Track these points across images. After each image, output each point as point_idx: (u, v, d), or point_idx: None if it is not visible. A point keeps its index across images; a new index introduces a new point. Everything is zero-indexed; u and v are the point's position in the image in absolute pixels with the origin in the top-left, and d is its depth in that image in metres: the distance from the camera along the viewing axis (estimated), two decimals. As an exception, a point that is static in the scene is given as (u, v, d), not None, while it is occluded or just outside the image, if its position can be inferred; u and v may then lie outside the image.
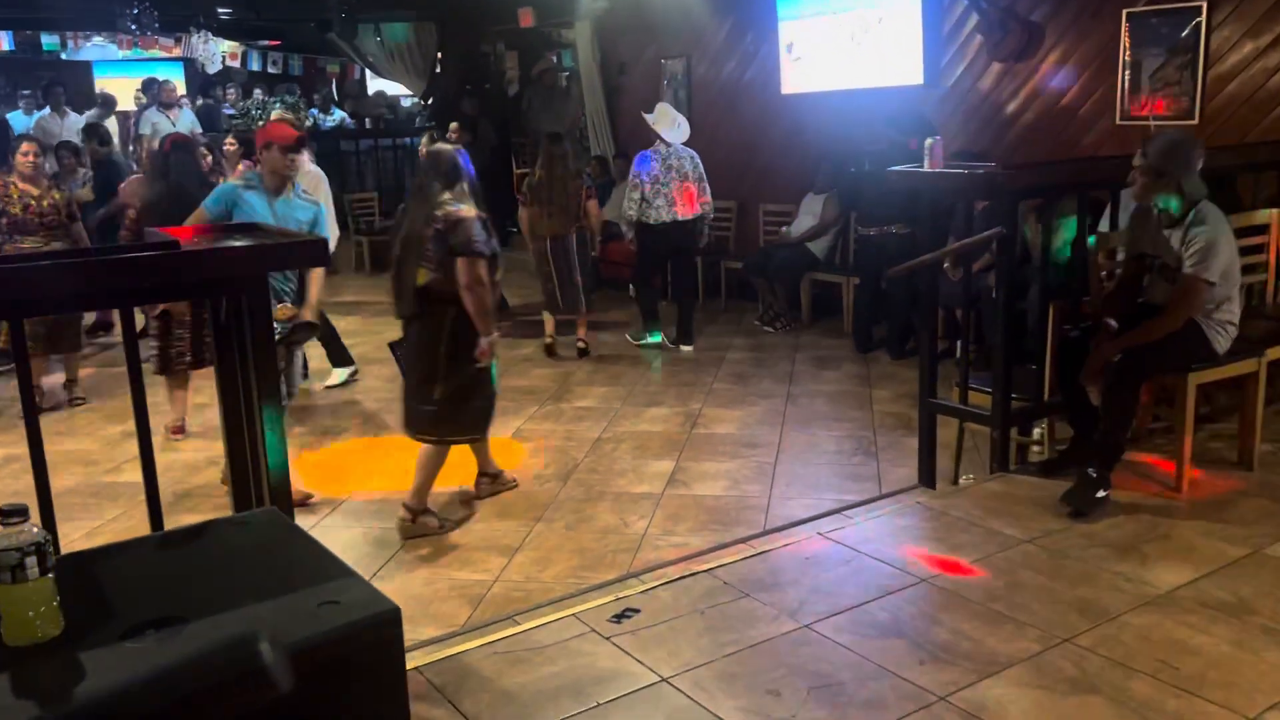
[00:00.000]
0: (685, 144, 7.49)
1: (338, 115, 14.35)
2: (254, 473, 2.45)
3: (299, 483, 4.77)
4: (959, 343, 4.91)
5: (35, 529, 1.73)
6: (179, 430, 5.74)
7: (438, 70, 12.69)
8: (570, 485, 4.93)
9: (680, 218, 7.36)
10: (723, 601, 3.16)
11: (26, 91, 12.01)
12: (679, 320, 7.50)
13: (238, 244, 2.39)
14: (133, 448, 5.94)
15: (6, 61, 14.46)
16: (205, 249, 2.34)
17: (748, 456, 5.20)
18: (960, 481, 4.54)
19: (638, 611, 3.11)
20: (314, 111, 13.91)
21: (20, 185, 6.20)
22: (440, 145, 4.70)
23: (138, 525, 4.37)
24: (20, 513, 1.72)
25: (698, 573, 3.39)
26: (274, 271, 2.55)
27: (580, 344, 7.39)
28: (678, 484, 4.85)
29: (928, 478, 4.50)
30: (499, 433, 5.67)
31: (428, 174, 4.34)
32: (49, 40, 13.31)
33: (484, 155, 11.77)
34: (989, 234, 4.18)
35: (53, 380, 6.62)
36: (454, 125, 9.72)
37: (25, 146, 6.30)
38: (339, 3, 10.85)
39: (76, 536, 4.36)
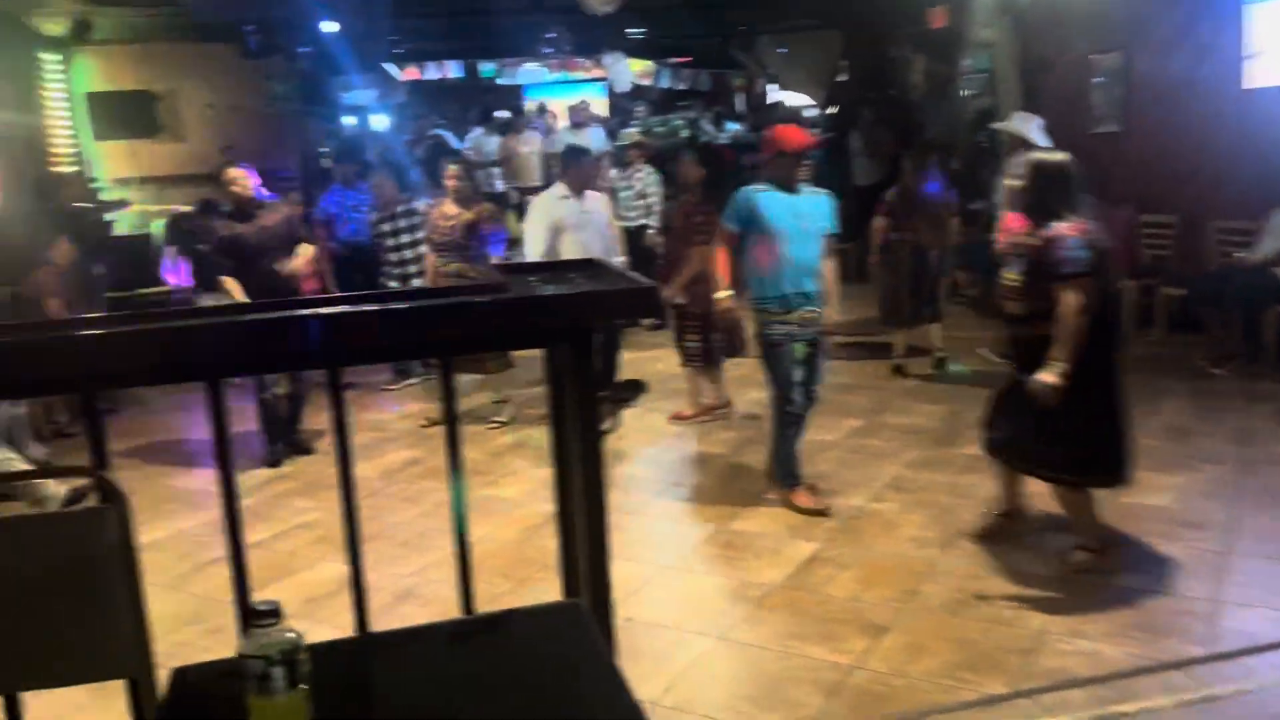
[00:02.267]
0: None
1: (731, 129, 14.35)
2: (576, 551, 2.15)
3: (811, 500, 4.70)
4: None
5: (289, 633, 1.50)
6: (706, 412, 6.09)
7: (840, 78, 12.23)
8: (953, 554, 4.25)
9: None
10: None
11: (502, 114, 12.94)
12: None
13: (562, 290, 2.09)
14: (518, 461, 6.33)
15: (454, 89, 16.11)
16: (532, 296, 2.06)
17: (1187, 540, 4.19)
18: None
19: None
20: (706, 126, 13.99)
21: (445, 206, 6.44)
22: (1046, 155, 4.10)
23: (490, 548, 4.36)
24: (272, 614, 1.50)
25: (1120, 717, 2.63)
26: (613, 318, 2.25)
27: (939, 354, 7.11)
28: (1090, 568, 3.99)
29: None
30: (871, 479, 5.10)
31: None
32: (486, 67, 14.59)
33: (883, 163, 11.18)
34: None
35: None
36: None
37: (450, 170, 6.54)
38: (742, 16, 10.76)
39: (408, 571, 4.41)
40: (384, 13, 9.30)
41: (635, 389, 3.21)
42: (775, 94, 15.22)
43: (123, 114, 9.85)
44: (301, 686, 1.48)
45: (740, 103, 16.55)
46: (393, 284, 7.22)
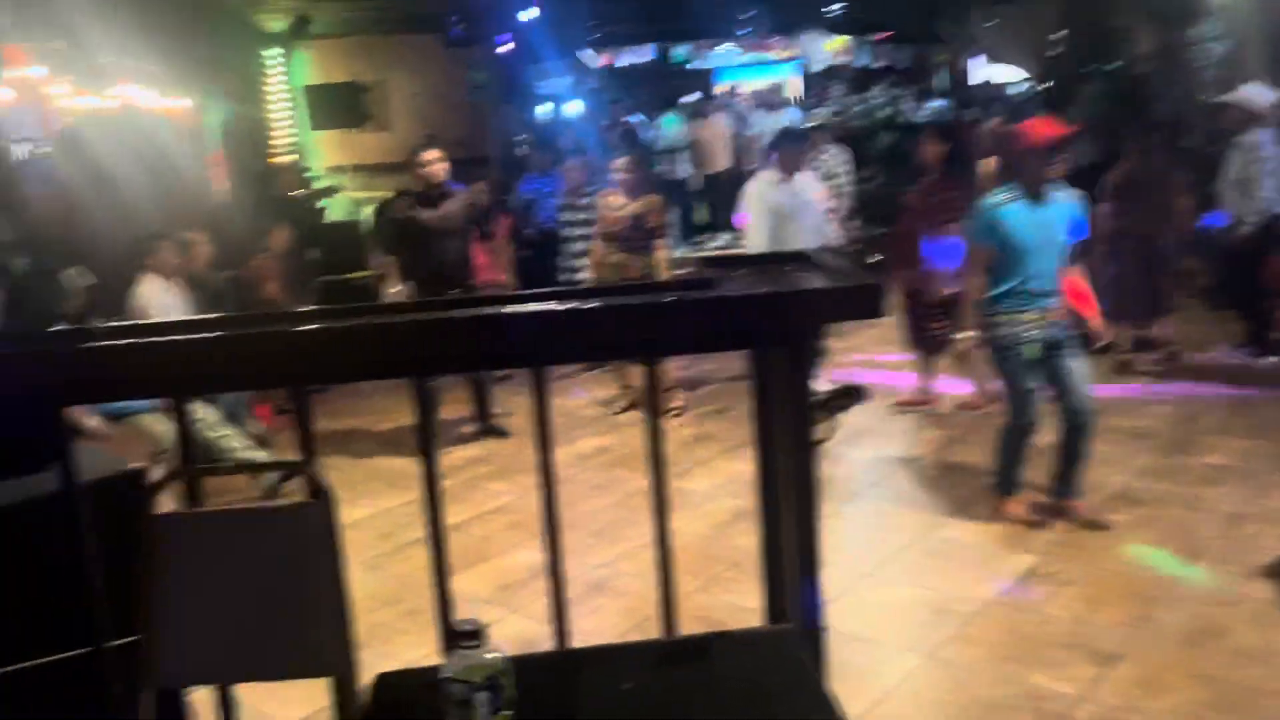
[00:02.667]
0: None
1: (931, 106, 13.65)
2: (782, 574, 1.99)
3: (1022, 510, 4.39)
4: None
5: (493, 654, 1.41)
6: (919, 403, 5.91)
7: (1056, 51, 11.44)
8: (1191, 576, 3.82)
9: None
10: None
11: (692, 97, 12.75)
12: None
13: (774, 288, 1.92)
14: (703, 452, 6.21)
15: (646, 74, 16.07)
16: (743, 294, 1.91)
17: None
18: None
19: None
20: (907, 105, 13.37)
21: (612, 197, 6.36)
22: None
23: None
24: (475, 634, 1.41)
25: None
26: (831, 320, 2.07)
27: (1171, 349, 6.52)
28: (1361, 601, 3.50)
29: None
30: (1097, 487, 4.68)
31: None
32: (680, 51, 14.49)
33: (1104, 143, 10.36)
34: None
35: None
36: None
37: (620, 160, 6.44)
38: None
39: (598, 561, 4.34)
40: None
41: (854, 396, 2.95)
42: (982, 69, 14.45)
43: (335, 105, 10.33)
44: (505, 713, 1.40)
45: (943, 79, 15.81)
46: (562, 277, 7.14)
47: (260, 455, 5.36)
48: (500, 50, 10.91)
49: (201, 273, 6.81)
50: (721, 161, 11.05)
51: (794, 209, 5.97)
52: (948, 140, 5.95)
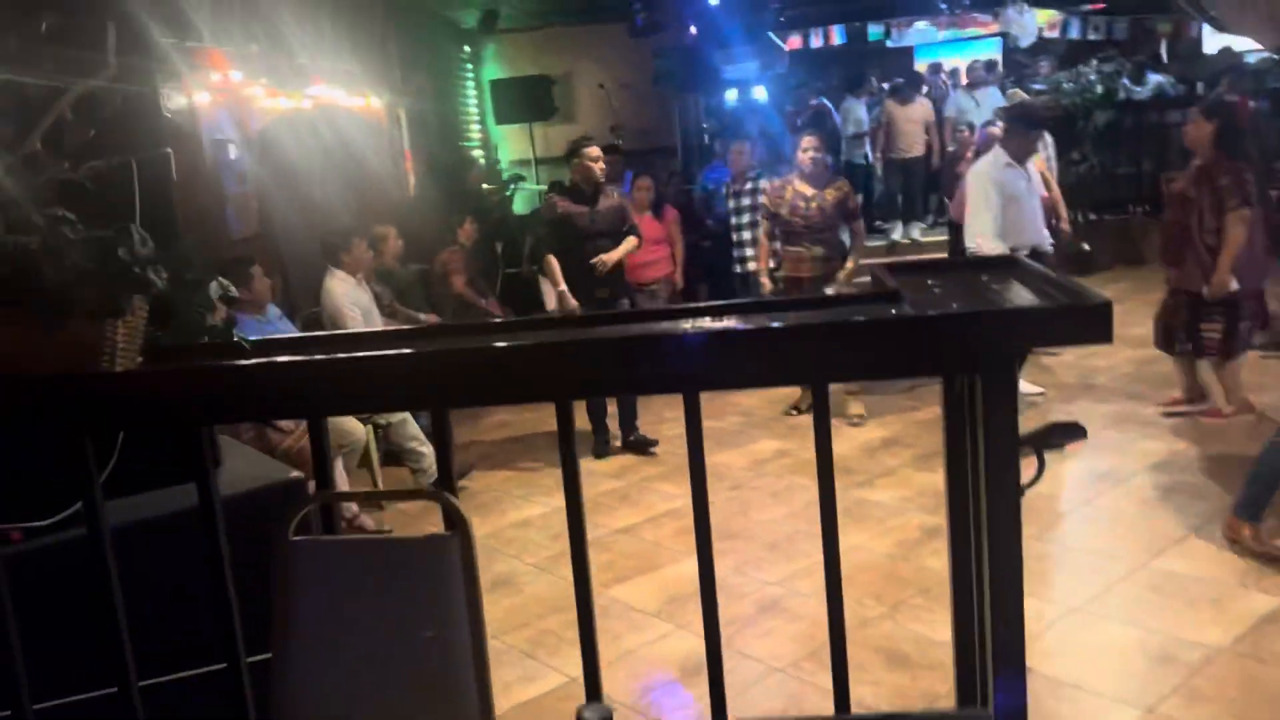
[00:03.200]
0: None
1: (1153, 81, 12.47)
2: (975, 652, 1.69)
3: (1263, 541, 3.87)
4: None
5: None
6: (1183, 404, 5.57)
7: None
8: None
9: None
10: None
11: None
12: None
13: (978, 306, 1.63)
14: (890, 459, 5.80)
15: (839, 54, 15.50)
16: (939, 315, 1.61)
17: None
18: None
19: None
20: (1125, 81, 12.26)
21: (796, 185, 5.95)
22: None
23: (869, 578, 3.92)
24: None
25: None
26: (1048, 344, 1.72)
27: None
28: None
29: None
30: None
31: None
32: (874, 30, 13.88)
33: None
34: None
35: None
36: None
37: (805, 142, 6.03)
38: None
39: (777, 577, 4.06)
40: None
41: (1069, 433, 2.52)
42: (1214, 39, 13.13)
43: (521, 98, 10.39)
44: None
45: (1166, 51, 14.48)
46: (736, 269, 6.87)
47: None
48: (686, 37, 10.71)
49: (391, 266, 6.97)
50: (917, 148, 10.44)
51: (1024, 196, 5.60)
52: (1217, 118, 5.26)
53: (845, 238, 6.15)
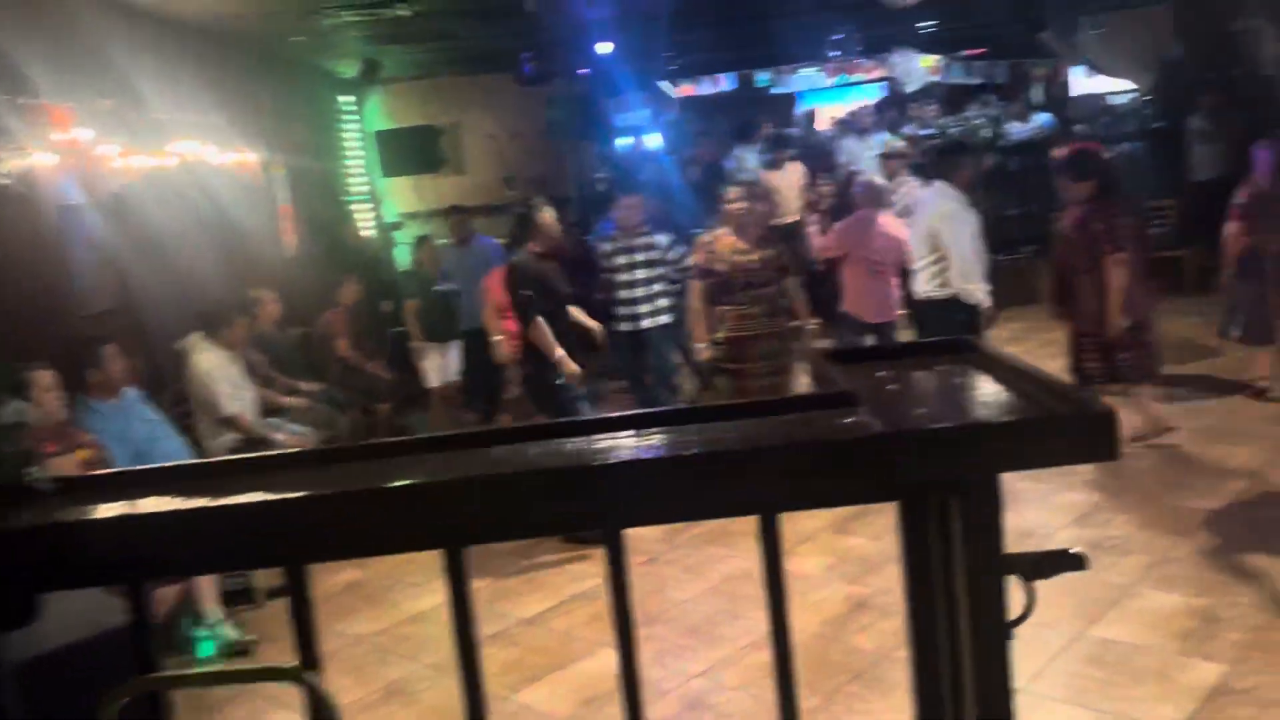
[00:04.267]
0: None
1: (1036, 122, 12.73)
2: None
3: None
4: None
5: None
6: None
7: (1171, 58, 10.59)
8: None
9: None
10: None
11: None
12: None
13: (966, 420, 1.35)
14: (810, 522, 5.46)
15: (726, 102, 15.51)
16: (910, 430, 1.33)
17: None
18: None
19: None
20: (1009, 122, 12.46)
21: (728, 238, 5.53)
22: None
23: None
24: None
25: None
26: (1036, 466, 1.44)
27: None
28: None
29: None
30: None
31: None
32: (760, 77, 13.94)
33: (1227, 157, 9.46)
34: None
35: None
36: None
37: (732, 193, 5.70)
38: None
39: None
40: (660, 28, 8.87)
41: (1068, 563, 2.21)
42: (1086, 81, 13.57)
43: (408, 150, 10.03)
44: None
45: (1040, 94, 14.90)
46: (624, 326, 6.11)
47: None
48: (577, 85, 10.50)
49: (268, 331, 6.48)
50: (792, 213, 9.40)
51: (974, 236, 5.44)
52: (1091, 176, 5.28)
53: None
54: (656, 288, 6.14)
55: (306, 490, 1.31)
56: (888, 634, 3.74)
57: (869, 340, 5.90)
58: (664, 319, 6.18)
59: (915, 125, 11.99)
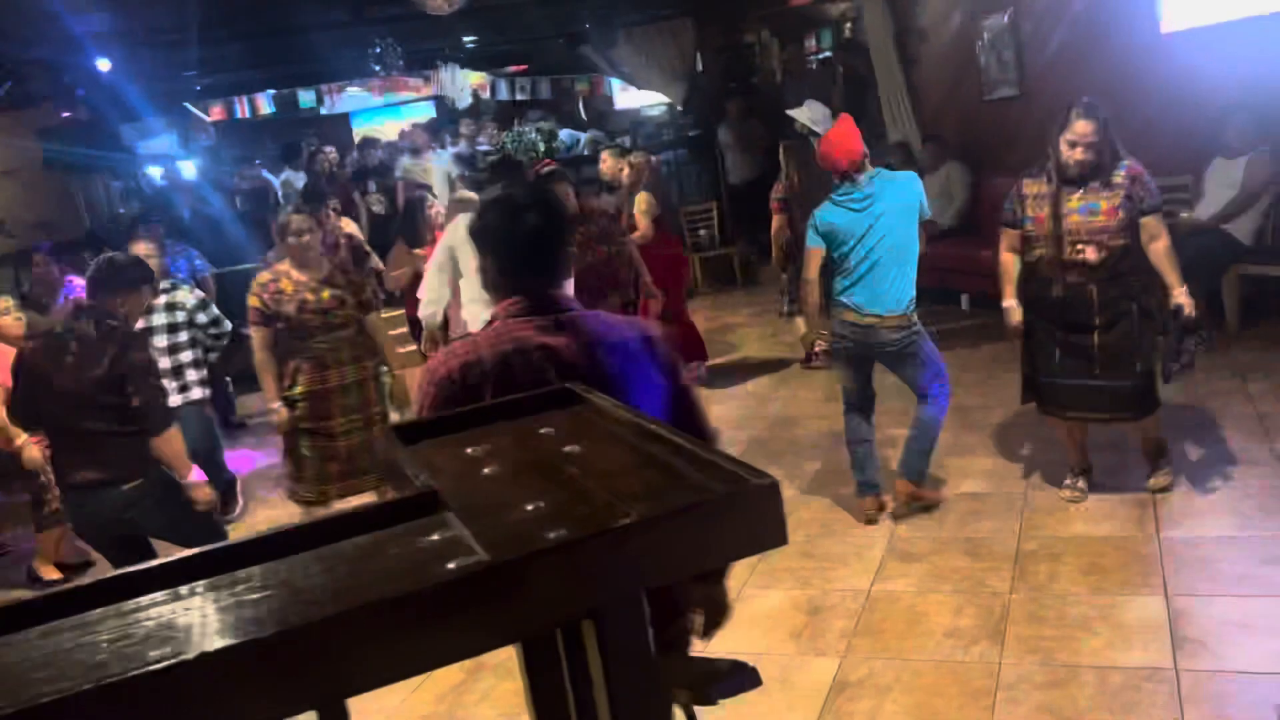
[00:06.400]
0: None
1: (587, 136, 13.11)
2: None
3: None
4: None
5: None
6: None
7: (699, 70, 11.36)
8: (1014, 650, 3.30)
9: None
10: None
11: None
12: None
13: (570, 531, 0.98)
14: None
15: (272, 125, 14.37)
16: (538, 554, 0.92)
17: None
18: None
19: None
20: (564, 135, 12.75)
21: (294, 275, 4.62)
22: None
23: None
24: None
25: None
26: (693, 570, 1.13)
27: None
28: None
29: None
30: (859, 546, 4.11)
31: None
32: (305, 98, 13.08)
33: (757, 159, 10.29)
34: None
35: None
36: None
37: (296, 222, 4.62)
38: (589, 13, 9.73)
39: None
40: (179, 41, 7.81)
41: (739, 679, 1.86)
42: (625, 95, 14.25)
43: None
44: None
45: (584, 108, 15.49)
46: (175, 400, 4.96)
47: None
48: (78, 112, 9.04)
49: None
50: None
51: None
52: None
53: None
54: (185, 357, 5.22)
55: None
56: None
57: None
58: (196, 394, 5.26)
59: (466, 143, 11.83)
